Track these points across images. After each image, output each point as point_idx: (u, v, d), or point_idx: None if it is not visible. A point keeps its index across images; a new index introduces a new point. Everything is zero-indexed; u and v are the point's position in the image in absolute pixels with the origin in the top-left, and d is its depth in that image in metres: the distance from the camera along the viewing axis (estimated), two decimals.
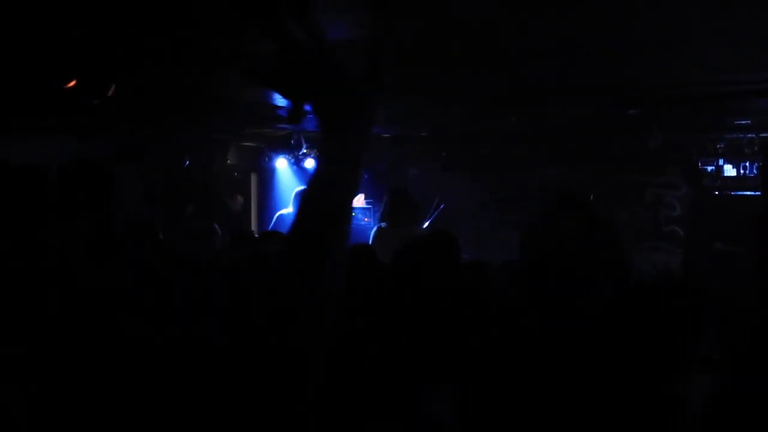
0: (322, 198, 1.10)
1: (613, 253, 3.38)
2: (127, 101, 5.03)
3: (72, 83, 3.65)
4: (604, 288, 3.22)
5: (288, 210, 7.20)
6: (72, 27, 3.39)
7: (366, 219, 8.62)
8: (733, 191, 7.62)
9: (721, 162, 7.77)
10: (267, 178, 8.93)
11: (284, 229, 7.02)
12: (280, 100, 6.04)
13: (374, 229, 5.80)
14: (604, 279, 3.29)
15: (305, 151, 8.60)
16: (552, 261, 3.62)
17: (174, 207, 6.93)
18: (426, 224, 7.34)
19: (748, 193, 7.40)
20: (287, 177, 8.94)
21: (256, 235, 6.11)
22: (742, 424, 2.21)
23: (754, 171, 7.46)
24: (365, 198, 8.81)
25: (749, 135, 7.44)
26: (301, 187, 7.49)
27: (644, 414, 2.44)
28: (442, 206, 7.60)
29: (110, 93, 3.92)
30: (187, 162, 7.39)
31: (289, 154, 8.78)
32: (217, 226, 5.76)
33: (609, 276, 3.30)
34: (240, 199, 8.48)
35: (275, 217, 7.17)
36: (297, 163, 8.87)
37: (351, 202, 1.16)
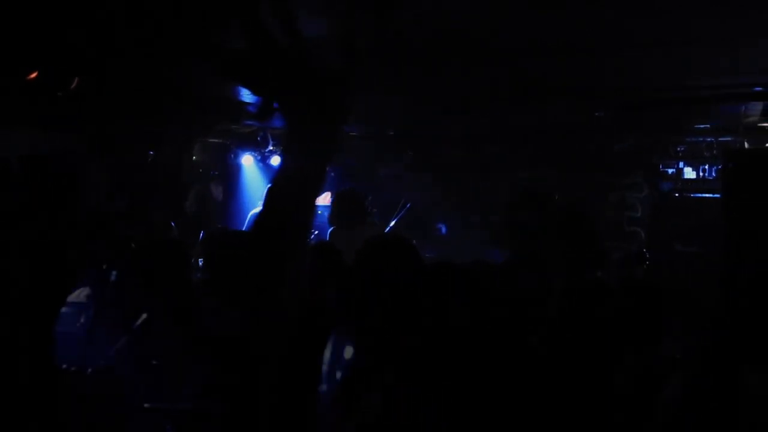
0: (287, 195, 1.09)
1: (582, 244, 3.44)
2: (93, 94, 4.94)
3: (33, 74, 3.57)
4: (573, 276, 3.27)
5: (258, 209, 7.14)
6: (36, 18, 3.31)
7: (328, 217, 8.56)
8: (693, 193, 7.79)
9: (681, 165, 7.93)
10: (233, 175, 8.86)
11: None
12: (248, 96, 5.99)
13: (329, 231, 5.77)
14: (573, 268, 3.36)
15: (272, 148, 8.54)
16: (520, 253, 3.66)
17: (137, 202, 6.82)
18: (392, 223, 7.34)
19: (707, 195, 7.56)
20: (253, 174, 8.87)
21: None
22: (705, 420, 2.26)
23: (713, 174, 7.62)
24: (332, 197, 8.77)
25: (708, 139, 7.60)
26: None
27: (610, 412, 2.47)
28: (408, 206, 7.60)
29: (73, 85, 3.83)
30: (152, 153, 7.28)
31: (255, 151, 8.71)
32: (173, 224, 5.68)
33: (579, 265, 3.36)
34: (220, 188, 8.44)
35: (249, 217, 7.12)
36: (263, 160, 8.80)
37: (315, 198, 1.15)
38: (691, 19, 3.72)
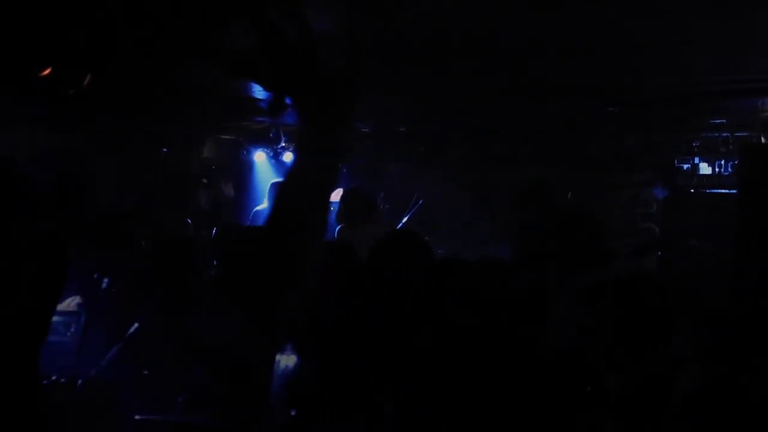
0: (301, 191, 1.09)
1: (584, 243, 3.42)
2: (105, 92, 4.96)
3: (47, 71, 3.57)
4: (578, 273, 3.26)
5: (263, 205, 7.15)
6: (48, 15, 3.32)
7: (335, 216, 8.55)
8: (708, 189, 7.71)
9: (696, 160, 7.85)
10: (245, 171, 8.88)
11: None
12: (259, 93, 5.99)
13: (336, 230, 5.81)
14: (576, 266, 3.34)
15: (284, 144, 8.55)
16: (523, 251, 3.64)
17: (145, 200, 6.85)
18: (404, 219, 7.34)
19: (723, 191, 7.48)
20: (265, 170, 8.89)
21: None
22: (718, 418, 2.23)
23: (729, 169, 7.54)
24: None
25: (724, 134, 7.51)
26: (277, 180, 7.48)
27: (622, 410, 2.45)
28: (420, 202, 7.60)
29: (86, 83, 3.84)
30: (165, 150, 7.31)
31: (267, 148, 8.72)
32: (189, 220, 5.70)
33: (581, 263, 3.34)
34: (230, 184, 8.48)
35: (252, 213, 7.13)
36: (275, 156, 8.81)
37: (329, 195, 1.14)
38: (696, 17, 3.69)
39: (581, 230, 3.49)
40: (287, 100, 1.09)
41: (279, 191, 1.11)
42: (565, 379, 2.49)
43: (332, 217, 6.95)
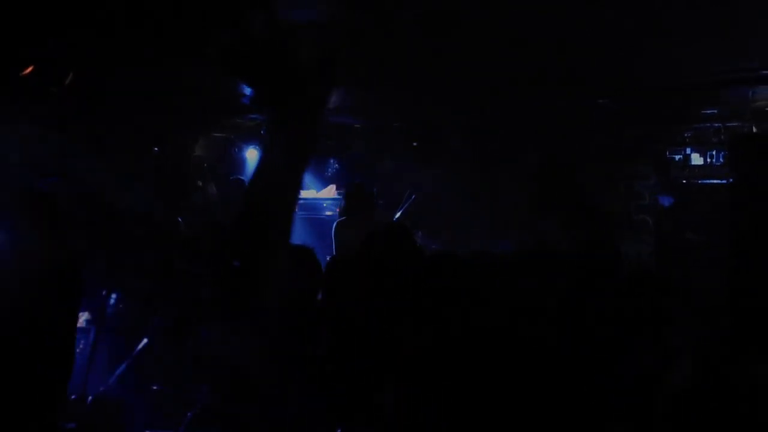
0: (267, 187, 1.07)
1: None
2: (102, 92, 4.93)
3: (29, 69, 3.54)
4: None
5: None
6: (31, 13, 3.29)
7: (338, 209, 8.54)
8: (701, 180, 7.71)
9: (688, 151, 7.85)
10: (237, 168, 8.87)
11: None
12: (247, 89, 5.97)
13: (335, 223, 5.95)
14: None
15: None
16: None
17: (141, 200, 6.81)
18: (397, 215, 7.34)
19: (715, 181, 7.49)
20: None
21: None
22: (711, 412, 2.23)
23: (721, 159, 7.55)
24: (337, 189, 8.75)
25: (716, 124, 7.52)
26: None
27: (620, 404, 2.44)
28: (413, 197, 7.59)
29: (68, 80, 3.81)
30: (156, 149, 7.28)
31: (259, 145, 8.71)
32: (180, 219, 5.69)
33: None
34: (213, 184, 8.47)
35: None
36: None
37: (296, 192, 1.13)
38: (688, 9, 3.69)
39: (593, 222, 3.52)
40: (264, 94, 1.08)
41: (247, 188, 1.10)
42: (564, 377, 2.48)
43: (323, 211, 6.98)
